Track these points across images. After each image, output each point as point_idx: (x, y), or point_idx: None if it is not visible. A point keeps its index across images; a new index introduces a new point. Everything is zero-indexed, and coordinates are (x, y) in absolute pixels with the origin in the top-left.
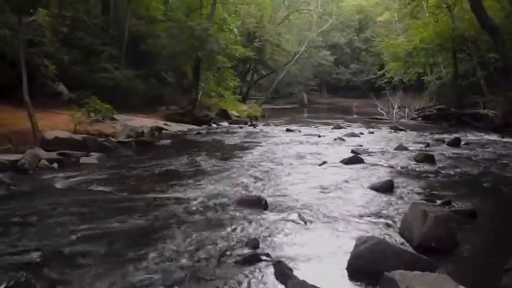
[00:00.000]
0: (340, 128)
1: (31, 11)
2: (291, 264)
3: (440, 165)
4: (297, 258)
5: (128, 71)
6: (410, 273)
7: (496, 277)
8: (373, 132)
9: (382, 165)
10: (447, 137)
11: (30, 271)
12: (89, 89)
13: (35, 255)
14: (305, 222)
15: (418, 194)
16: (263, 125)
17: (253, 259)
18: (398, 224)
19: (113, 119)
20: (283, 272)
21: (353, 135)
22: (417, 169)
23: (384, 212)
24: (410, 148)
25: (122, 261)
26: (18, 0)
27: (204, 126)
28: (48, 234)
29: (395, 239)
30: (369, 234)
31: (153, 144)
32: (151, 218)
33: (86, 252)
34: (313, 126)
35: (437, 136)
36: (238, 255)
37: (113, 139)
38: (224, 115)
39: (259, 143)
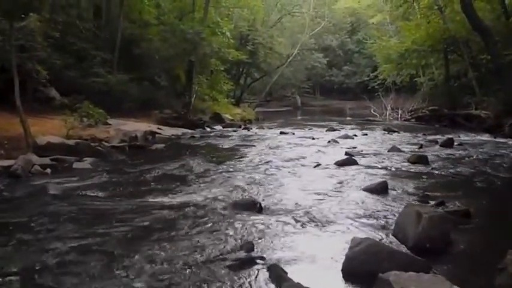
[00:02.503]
0: (334, 130)
1: (22, 16)
2: (285, 267)
3: (434, 166)
4: (292, 260)
5: (121, 75)
6: (405, 274)
7: (490, 277)
8: (366, 134)
9: (376, 167)
10: (440, 137)
11: (22, 277)
12: (81, 94)
13: (27, 261)
14: (299, 225)
15: (412, 195)
16: (257, 128)
17: (248, 262)
18: (393, 225)
19: (106, 123)
20: (278, 274)
21: (347, 137)
22: (411, 170)
23: (378, 213)
24: (404, 149)
25: (115, 266)
26: (10, 5)
27: (198, 130)
28: (41, 240)
29: (389, 240)
30: (363, 236)
31: (146, 148)
32: (144, 223)
33: (79, 258)
34: (307, 129)
35: (430, 137)
36: (233, 258)
37: (106, 144)
38: (218, 118)
39: (253, 146)
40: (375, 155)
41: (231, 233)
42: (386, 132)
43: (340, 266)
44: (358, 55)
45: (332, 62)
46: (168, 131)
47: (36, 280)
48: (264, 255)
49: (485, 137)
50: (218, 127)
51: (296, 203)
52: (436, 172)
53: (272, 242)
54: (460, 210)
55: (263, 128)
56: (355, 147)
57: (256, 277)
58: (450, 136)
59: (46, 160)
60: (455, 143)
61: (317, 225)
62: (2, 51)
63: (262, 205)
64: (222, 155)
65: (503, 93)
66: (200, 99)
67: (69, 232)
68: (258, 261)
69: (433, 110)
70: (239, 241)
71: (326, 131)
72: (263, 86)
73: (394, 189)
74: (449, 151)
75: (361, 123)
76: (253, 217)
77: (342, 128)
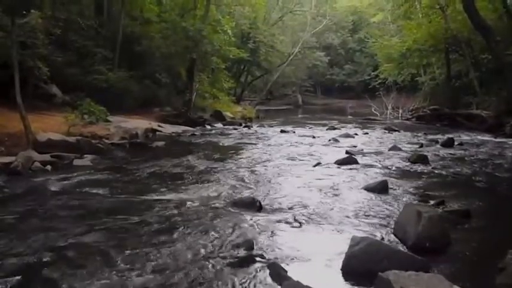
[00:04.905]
0: (335, 128)
1: (24, 12)
2: (285, 266)
3: (434, 165)
4: (292, 259)
5: (122, 73)
6: (405, 274)
7: (490, 276)
8: (367, 133)
9: (377, 166)
10: (441, 137)
11: (24, 273)
12: (82, 91)
13: (29, 258)
14: (299, 223)
15: (412, 194)
16: (257, 126)
17: (247, 260)
18: (393, 225)
19: (107, 120)
20: (277, 272)
21: (347, 136)
22: (411, 169)
23: (378, 212)
24: (404, 149)
25: (116, 263)
26: (12, 2)
27: (199, 127)
28: (42, 237)
29: (389, 239)
30: (363, 235)
31: (147, 145)
32: (144, 220)
33: (78, 254)
34: (307, 127)
35: (430, 136)
36: (233, 256)
37: (107, 141)
38: (218, 116)
39: (254, 144)
40: (375, 154)
41: (231, 231)
42: (387, 132)
43: (339, 265)
44: (359, 54)
45: (333, 61)
46: (168, 129)
47: (35, 275)
48: (264, 254)
49: (486, 137)
50: (219, 125)
51: (296, 202)
52: (436, 172)
53: (272, 240)
54: (460, 210)
55: (264, 126)
56: (355, 146)
57: (256, 275)
58: (451, 136)
59: (46, 157)
60: (456, 143)
61: (317, 224)
62: (4, 47)
63: (262, 203)
64: (222, 153)
65: (505, 93)
66: (201, 97)
67: (68, 228)
68: (258, 259)
69: (434, 109)
70: (239, 239)
71: (327, 129)
72: (264, 84)
73: (395, 189)
74: (449, 151)
75: (361, 122)
76: (253, 215)
77: (343, 127)
